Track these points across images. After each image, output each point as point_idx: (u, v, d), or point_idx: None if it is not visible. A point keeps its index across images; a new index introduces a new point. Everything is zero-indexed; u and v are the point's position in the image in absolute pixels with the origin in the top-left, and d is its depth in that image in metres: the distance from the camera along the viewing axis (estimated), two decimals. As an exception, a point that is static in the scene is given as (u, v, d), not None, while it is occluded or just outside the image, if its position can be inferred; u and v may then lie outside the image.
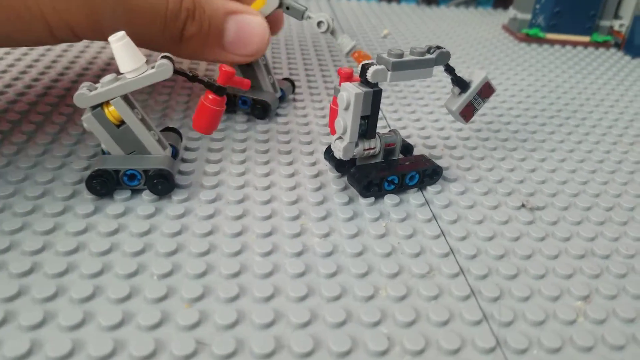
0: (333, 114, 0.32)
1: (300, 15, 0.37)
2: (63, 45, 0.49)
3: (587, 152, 0.39)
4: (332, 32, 0.37)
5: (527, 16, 0.66)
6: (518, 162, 0.36)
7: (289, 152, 0.35)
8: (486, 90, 0.33)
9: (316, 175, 0.32)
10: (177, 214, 0.27)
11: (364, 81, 0.29)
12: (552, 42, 0.65)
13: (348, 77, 0.30)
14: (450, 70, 0.31)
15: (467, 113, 0.33)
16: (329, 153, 0.33)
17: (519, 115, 0.44)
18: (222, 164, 0.33)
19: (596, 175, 0.35)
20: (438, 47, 0.30)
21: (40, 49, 0.48)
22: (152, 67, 0.27)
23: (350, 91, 0.28)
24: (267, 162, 0.33)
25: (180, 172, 0.31)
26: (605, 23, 0.67)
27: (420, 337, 0.21)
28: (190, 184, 0.30)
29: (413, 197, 0.31)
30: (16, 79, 0.42)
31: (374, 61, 0.29)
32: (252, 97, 0.38)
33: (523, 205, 0.31)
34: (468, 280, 0.25)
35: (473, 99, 0.33)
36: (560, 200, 0.32)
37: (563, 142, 0.40)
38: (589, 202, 0.32)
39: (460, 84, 0.32)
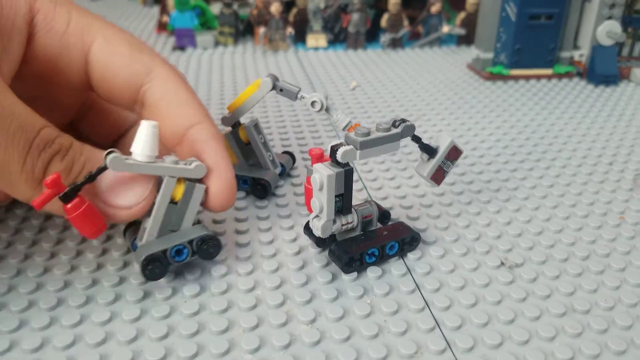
0: (308, 192, 0.32)
1: (293, 96, 0.37)
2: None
3: (559, 196, 0.40)
4: (327, 110, 0.37)
5: (490, 55, 0.69)
6: (493, 215, 0.37)
7: (269, 229, 0.35)
8: (453, 153, 0.34)
9: (298, 253, 0.33)
10: (163, 315, 0.27)
11: (334, 161, 0.30)
12: (516, 78, 0.68)
13: (319, 158, 0.31)
14: (416, 139, 0.33)
15: (437, 177, 0.34)
16: (308, 229, 0.33)
17: (490, 163, 0.45)
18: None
19: (570, 221, 0.36)
20: (403, 121, 0.31)
21: None
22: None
23: (323, 173, 0.29)
24: (248, 244, 0.34)
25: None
26: (565, 54, 0.69)
27: None
28: (173, 278, 0.30)
29: (395, 267, 0.31)
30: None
31: (343, 142, 0.30)
32: (251, 176, 0.39)
33: (502, 264, 0.32)
34: (455, 354, 0.25)
35: (442, 163, 0.34)
36: (537, 254, 0.33)
37: (535, 187, 0.41)
38: (566, 253, 0.33)
39: (428, 150, 0.33)
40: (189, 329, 0.26)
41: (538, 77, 0.68)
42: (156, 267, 0.28)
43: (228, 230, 0.35)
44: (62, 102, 0.34)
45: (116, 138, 0.37)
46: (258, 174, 0.39)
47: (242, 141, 0.40)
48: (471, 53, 0.73)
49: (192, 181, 0.29)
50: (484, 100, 0.60)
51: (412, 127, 0.31)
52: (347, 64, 0.75)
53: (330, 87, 0.65)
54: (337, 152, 0.29)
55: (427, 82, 0.67)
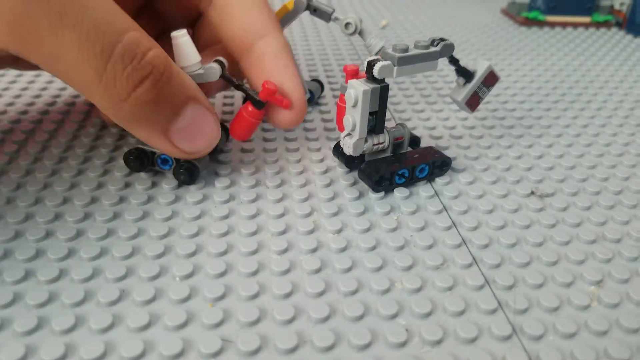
0: (340, 110, 0.32)
1: (327, 17, 0.36)
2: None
3: (593, 135, 0.39)
4: (360, 33, 0.36)
5: (527, -1, 0.66)
6: (525, 149, 0.37)
7: (296, 150, 0.35)
8: (490, 78, 0.33)
9: (325, 172, 0.33)
10: (194, 216, 0.28)
11: (370, 77, 0.29)
12: (552, 25, 0.65)
13: (354, 74, 0.31)
14: (454, 61, 0.32)
15: (472, 103, 0.33)
16: (337, 149, 0.33)
17: (523, 102, 0.44)
18: (233, 164, 0.33)
19: (604, 159, 0.36)
20: (441, 39, 0.30)
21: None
22: (201, 69, 0.28)
23: (358, 88, 0.28)
24: (276, 161, 0.34)
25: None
26: (605, 2, 0.67)
27: (437, 328, 0.22)
28: (203, 185, 0.31)
29: (422, 189, 0.31)
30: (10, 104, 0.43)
31: (379, 57, 0.29)
32: None
33: (532, 193, 0.32)
34: (482, 269, 0.25)
35: (478, 88, 0.33)
36: (569, 185, 0.32)
37: (569, 126, 0.40)
38: (598, 187, 0.32)
39: (465, 74, 0.33)
40: (219, 229, 0.27)
41: (575, 25, 0.65)
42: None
43: (257, 149, 0.35)
44: None
45: (194, 19, 0.35)
46: (287, 97, 0.39)
47: (273, 63, 0.39)
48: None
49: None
50: (518, 44, 0.59)
51: (452, 47, 0.30)
52: (377, 4, 0.72)
53: (360, 25, 0.63)
54: (374, 68, 0.28)
55: (459, 25, 0.65)
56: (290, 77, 0.29)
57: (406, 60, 0.29)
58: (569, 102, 0.44)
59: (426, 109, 0.42)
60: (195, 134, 0.27)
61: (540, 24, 0.65)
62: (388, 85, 0.29)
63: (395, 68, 0.29)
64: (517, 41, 0.60)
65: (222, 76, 0.28)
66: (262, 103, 0.29)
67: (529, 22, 0.65)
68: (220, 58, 0.28)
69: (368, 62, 0.29)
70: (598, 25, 0.66)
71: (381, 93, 0.29)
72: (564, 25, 0.65)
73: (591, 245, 0.28)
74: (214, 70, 0.28)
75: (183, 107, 0.26)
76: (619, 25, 0.67)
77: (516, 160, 0.35)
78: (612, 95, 0.46)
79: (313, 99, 0.41)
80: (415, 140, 0.34)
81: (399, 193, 0.31)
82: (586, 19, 0.66)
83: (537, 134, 0.39)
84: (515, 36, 0.61)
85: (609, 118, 0.42)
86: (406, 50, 0.29)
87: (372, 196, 0.30)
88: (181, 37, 0.27)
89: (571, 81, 0.49)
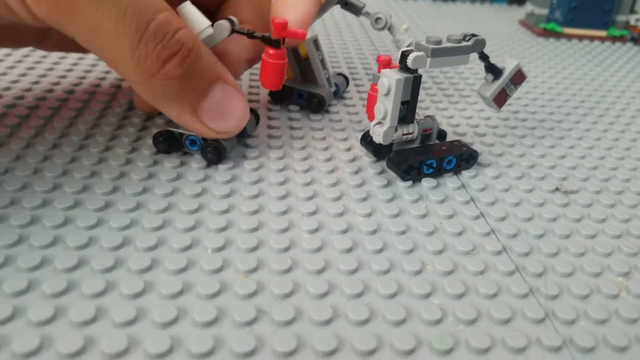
0: (371, 100, 0.32)
1: (358, 11, 0.37)
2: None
3: (613, 140, 0.39)
4: (390, 29, 0.37)
5: (545, 11, 0.67)
6: (548, 148, 0.37)
7: (323, 138, 0.35)
8: (518, 77, 0.33)
9: (353, 160, 0.33)
10: (224, 194, 0.28)
11: (403, 67, 0.29)
12: (569, 37, 0.66)
13: (386, 64, 0.31)
14: (484, 57, 0.32)
15: (500, 99, 0.34)
16: (365, 139, 0.33)
17: (543, 106, 0.44)
18: (261, 148, 0.33)
19: (625, 162, 0.36)
20: (473, 35, 0.31)
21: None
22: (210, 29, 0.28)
23: (391, 77, 0.29)
24: (304, 148, 0.34)
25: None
26: (621, 18, 0.67)
27: (471, 308, 0.22)
28: (232, 166, 0.31)
29: (449, 181, 0.31)
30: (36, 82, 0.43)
31: (413, 48, 0.30)
32: (308, 90, 0.39)
33: (557, 189, 0.32)
34: (511, 257, 0.25)
35: (506, 85, 0.33)
36: (593, 184, 0.32)
37: (589, 130, 0.40)
38: (621, 187, 0.32)
39: (494, 71, 0.33)
40: (250, 207, 0.27)
41: (591, 38, 0.66)
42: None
43: (284, 136, 0.35)
44: None
45: (218, 5, 0.35)
46: (314, 89, 0.39)
47: (300, 56, 0.40)
48: (523, 11, 0.72)
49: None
50: (536, 54, 0.59)
51: (483, 42, 0.31)
52: (397, 11, 0.73)
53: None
54: (408, 58, 0.29)
55: (478, 33, 0.65)
56: (300, 8, 0.29)
57: (439, 52, 0.29)
58: (588, 108, 0.45)
59: (449, 107, 0.42)
60: (225, 113, 0.28)
61: (558, 35, 0.66)
62: (420, 76, 0.30)
63: (428, 59, 0.29)
64: (535, 50, 0.60)
65: (233, 30, 0.28)
66: (277, 41, 0.28)
67: (547, 33, 0.66)
68: (231, 17, 0.28)
69: (402, 52, 0.29)
70: (614, 39, 0.66)
71: (414, 83, 0.30)
72: (580, 37, 0.66)
73: (617, 239, 0.28)
74: (223, 26, 0.28)
75: (211, 86, 0.28)
76: (634, 40, 0.67)
77: (540, 159, 0.35)
78: (630, 104, 0.47)
79: (338, 93, 0.42)
80: (442, 134, 0.34)
81: (427, 183, 0.31)
82: (602, 33, 0.66)
83: (558, 136, 0.39)
84: (533, 46, 0.62)
85: (628, 125, 0.42)
86: (439, 42, 0.29)
87: (400, 184, 0.31)
88: (186, 8, 0.27)
89: (589, 89, 0.49)
